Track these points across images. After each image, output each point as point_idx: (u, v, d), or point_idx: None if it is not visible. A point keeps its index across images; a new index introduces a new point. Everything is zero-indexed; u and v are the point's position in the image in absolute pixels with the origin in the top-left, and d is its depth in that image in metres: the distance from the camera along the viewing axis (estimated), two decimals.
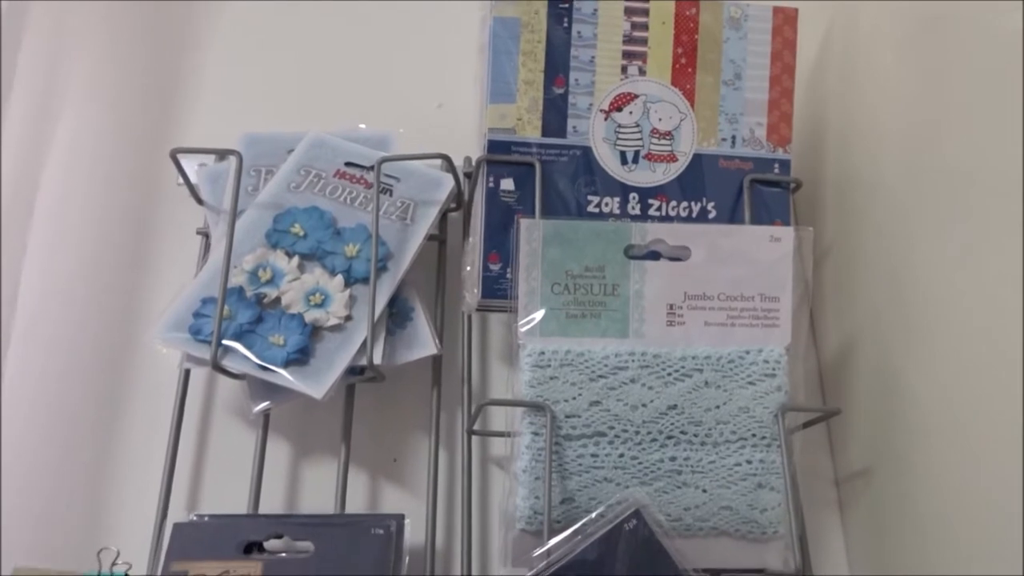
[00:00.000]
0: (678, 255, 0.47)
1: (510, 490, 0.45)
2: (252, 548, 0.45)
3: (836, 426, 0.52)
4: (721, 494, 0.44)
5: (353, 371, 0.49)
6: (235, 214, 0.49)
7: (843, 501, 0.51)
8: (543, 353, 0.45)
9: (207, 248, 0.53)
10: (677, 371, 0.45)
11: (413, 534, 0.46)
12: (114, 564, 0.40)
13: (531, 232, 0.46)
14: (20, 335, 0.51)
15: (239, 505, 0.48)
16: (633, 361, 0.45)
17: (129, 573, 0.40)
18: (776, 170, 0.52)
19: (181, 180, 0.54)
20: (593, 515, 0.42)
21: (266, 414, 0.50)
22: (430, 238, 0.52)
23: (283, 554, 0.45)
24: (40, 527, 0.48)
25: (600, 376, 0.45)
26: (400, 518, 0.46)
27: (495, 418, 0.51)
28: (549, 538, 0.42)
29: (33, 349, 0.51)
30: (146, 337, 0.54)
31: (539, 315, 0.45)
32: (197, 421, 0.52)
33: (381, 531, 0.46)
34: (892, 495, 0.46)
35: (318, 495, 0.51)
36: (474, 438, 0.50)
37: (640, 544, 0.41)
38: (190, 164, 0.54)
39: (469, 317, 0.53)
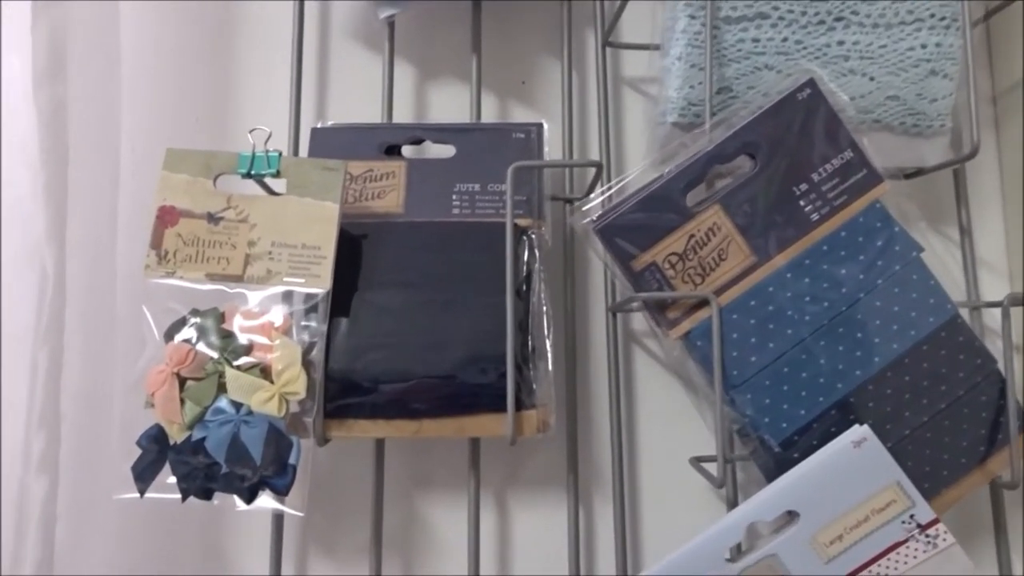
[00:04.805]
0: None
1: (660, 84, 0.43)
2: (392, 151, 0.44)
3: (996, 33, 0.48)
4: (889, 82, 0.42)
5: None
6: None
7: (999, 117, 0.48)
8: None
9: None
10: None
11: (548, 150, 0.45)
12: (267, 145, 0.39)
13: None
14: None
15: (370, 119, 0.47)
16: None
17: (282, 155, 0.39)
18: None
19: None
20: (756, 93, 0.40)
21: (391, 24, 0.47)
22: None
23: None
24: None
25: None
26: (539, 125, 0.45)
27: (632, 32, 0.48)
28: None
29: None
30: None
31: None
32: (316, 44, 0.50)
33: (522, 135, 0.44)
34: None
35: (449, 114, 0.49)
36: (608, 53, 0.47)
37: (813, 114, 0.39)
38: None
39: None
